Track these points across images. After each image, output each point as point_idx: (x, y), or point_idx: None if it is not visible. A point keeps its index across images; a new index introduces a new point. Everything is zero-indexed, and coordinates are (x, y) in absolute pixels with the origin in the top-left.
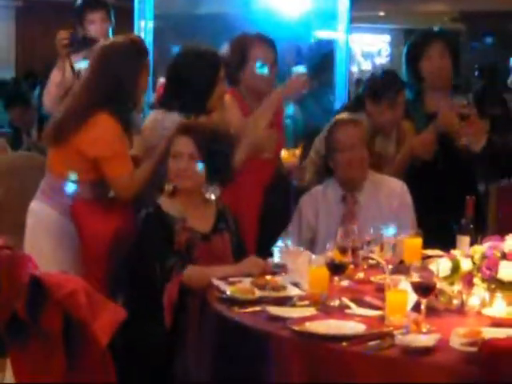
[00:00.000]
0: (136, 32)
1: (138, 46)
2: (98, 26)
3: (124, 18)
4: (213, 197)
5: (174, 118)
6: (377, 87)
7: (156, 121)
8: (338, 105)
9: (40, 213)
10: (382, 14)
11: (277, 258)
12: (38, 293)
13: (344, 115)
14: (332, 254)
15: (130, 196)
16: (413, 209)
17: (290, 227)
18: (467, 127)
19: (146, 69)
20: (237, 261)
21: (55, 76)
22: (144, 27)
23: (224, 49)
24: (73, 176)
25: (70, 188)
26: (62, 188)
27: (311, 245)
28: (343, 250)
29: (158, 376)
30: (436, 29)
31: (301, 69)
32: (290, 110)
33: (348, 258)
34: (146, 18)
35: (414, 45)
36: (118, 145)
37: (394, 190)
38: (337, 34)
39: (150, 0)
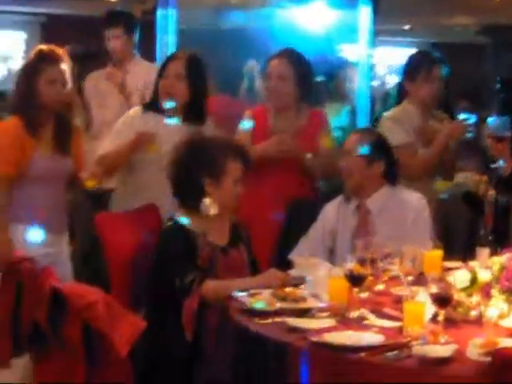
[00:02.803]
0: (158, 47)
1: (38, 55)
2: (112, 42)
3: (150, 31)
4: (212, 212)
5: None
6: (410, 64)
7: None
8: (360, 120)
9: None
10: (407, 27)
11: (297, 269)
12: (59, 304)
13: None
14: (351, 265)
15: None
16: (429, 223)
17: (312, 232)
18: (502, 149)
19: (46, 76)
20: (250, 274)
21: None
22: (167, 42)
23: (248, 65)
24: None
25: None
26: None
27: (330, 254)
28: (362, 262)
29: None
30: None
31: None
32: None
33: (367, 270)
34: (168, 33)
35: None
36: None
37: (409, 202)
38: (359, 47)
39: (173, 15)
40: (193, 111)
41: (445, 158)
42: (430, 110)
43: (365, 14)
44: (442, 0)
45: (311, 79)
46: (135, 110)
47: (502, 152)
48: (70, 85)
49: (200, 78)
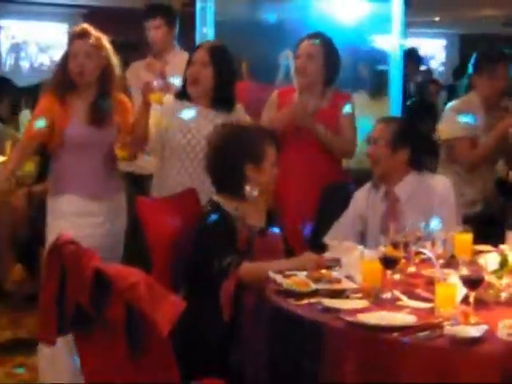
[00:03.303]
0: (197, 38)
1: (69, 35)
2: (152, 33)
3: (189, 23)
4: (254, 194)
5: None
6: (478, 59)
7: None
8: (393, 110)
9: None
10: (436, 19)
11: (331, 252)
12: (102, 285)
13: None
14: (385, 248)
15: None
16: (454, 207)
17: (343, 218)
18: None
19: (71, 52)
20: (285, 257)
21: None
22: (205, 33)
23: (283, 54)
24: None
25: None
26: None
27: (361, 238)
28: (395, 245)
29: (217, 367)
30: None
31: None
32: None
33: (400, 253)
34: (207, 25)
35: None
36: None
37: (435, 187)
38: (391, 38)
39: (211, 7)
40: (219, 97)
41: (507, 143)
42: (495, 104)
43: (397, 5)
44: None
45: (338, 64)
46: (167, 97)
47: None
48: (98, 59)
49: (225, 65)
